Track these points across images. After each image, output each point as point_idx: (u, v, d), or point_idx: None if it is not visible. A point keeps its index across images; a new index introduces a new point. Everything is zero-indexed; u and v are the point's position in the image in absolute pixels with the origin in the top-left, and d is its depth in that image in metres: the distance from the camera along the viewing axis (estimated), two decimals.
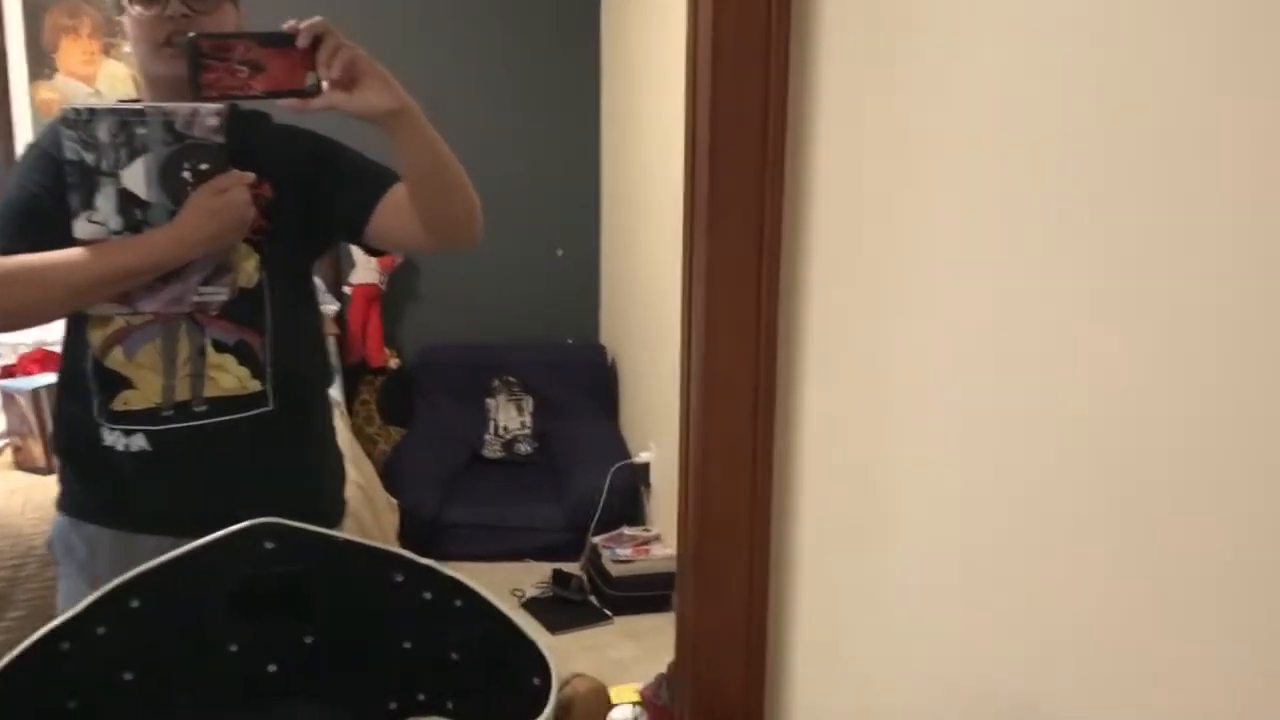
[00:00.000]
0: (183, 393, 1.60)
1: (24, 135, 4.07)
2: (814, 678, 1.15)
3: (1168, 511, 0.70)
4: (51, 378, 2.85)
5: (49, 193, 1.53)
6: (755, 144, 1.06)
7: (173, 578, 0.85)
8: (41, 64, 4.08)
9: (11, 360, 3.46)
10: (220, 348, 1.61)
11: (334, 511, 1.85)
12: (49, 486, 2.73)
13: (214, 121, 1.49)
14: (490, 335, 4.48)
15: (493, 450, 4.30)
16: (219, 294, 1.58)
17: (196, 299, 1.57)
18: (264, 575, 0.89)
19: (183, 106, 1.48)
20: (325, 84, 1.42)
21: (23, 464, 2.78)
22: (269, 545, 0.88)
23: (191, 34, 1.40)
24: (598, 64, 4.44)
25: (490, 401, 4.34)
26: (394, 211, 1.63)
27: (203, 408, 1.61)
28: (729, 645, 1.10)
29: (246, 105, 1.52)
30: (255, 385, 1.63)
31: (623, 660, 3.10)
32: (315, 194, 1.67)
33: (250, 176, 1.55)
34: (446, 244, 1.65)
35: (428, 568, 0.91)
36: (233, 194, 1.51)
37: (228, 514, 0.91)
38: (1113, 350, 0.74)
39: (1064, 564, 0.80)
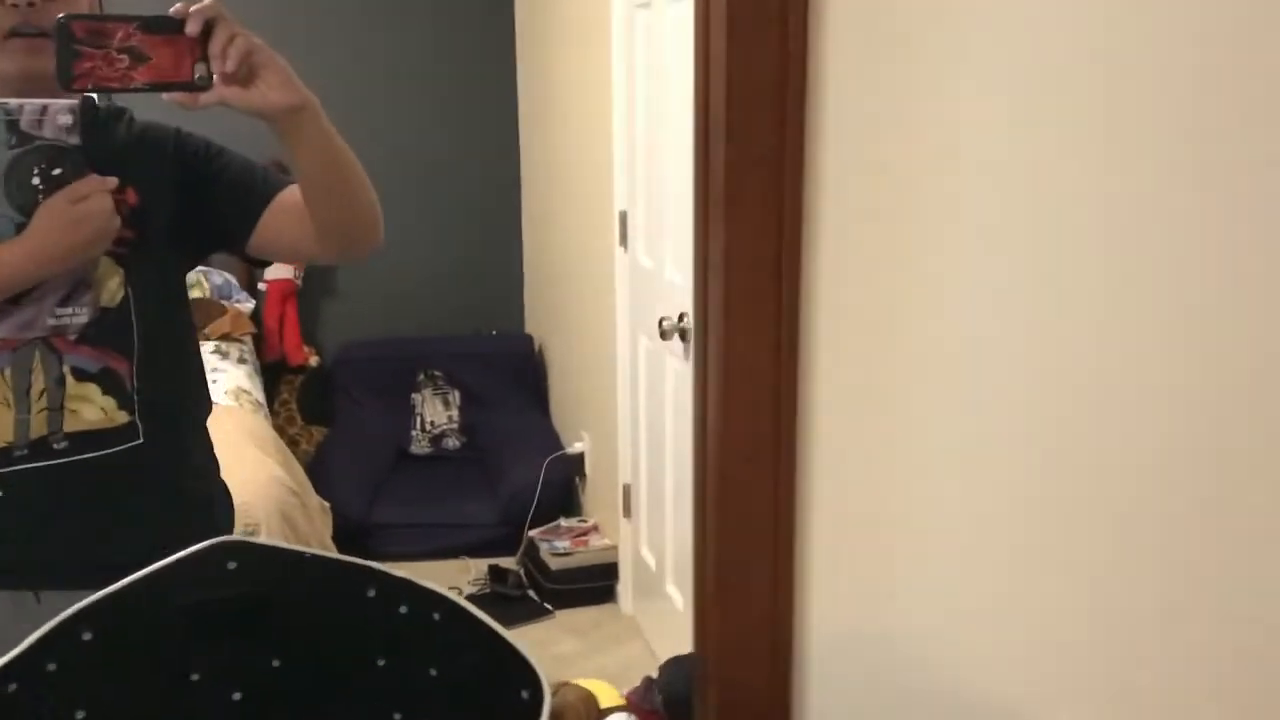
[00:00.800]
0: (39, 428, 1.42)
1: None
2: (836, 674, 1.11)
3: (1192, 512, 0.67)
4: None
5: None
6: (772, 122, 0.99)
7: (128, 605, 0.78)
8: None
9: None
10: (81, 376, 1.43)
11: None
12: None
13: (67, 120, 1.32)
14: (412, 329, 4.38)
15: (420, 446, 4.21)
16: (78, 315, 1.41)
17: (53, 322, 1.40)
18: (225, 597, 0.83)
19: (30, 102, 1.31)
20: (216, 77, 1.27)
21: None
22: (231, 565, 0.81)
23: (62, 16, 1.22)
24: (513, 46, 4.36)
25: (415, 396, 4.25)
26: (282, 220, 1.49)
27: (63, 444, 1.43)
28: (755, 645, 1.06)
29: (120, 98, 1.39)
30: (123, 417, 1.45)
31: (567, 655, 3.06)
32: (188, 201, 1.50)
33: (113, 182, 1.37)
34: (344, 254, 1.52)
35: (404, 580, 0.85)
36: (93, 201, 1.34)
37: (98, 560, 0.83)
38: (1125, 346, 0.71)
39: (1083, 558, 0.77)
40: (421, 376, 4.25)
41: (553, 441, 3.97)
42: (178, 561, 0.79)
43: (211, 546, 0.81)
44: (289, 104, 1.31)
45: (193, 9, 1.24)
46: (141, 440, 1.46)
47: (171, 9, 1.24)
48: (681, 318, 2.60)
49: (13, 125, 1.31)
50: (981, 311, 0.86)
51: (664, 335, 2.64)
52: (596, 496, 3.70)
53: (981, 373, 0.86)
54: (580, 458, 3.80)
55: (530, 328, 4.52)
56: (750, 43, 0.94)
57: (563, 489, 3.82)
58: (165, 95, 1.26)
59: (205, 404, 1.67)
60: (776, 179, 0.97)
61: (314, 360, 4.32)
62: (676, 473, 2.77)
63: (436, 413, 4.24)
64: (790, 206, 0.99)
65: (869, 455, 1.03)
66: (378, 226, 1.50)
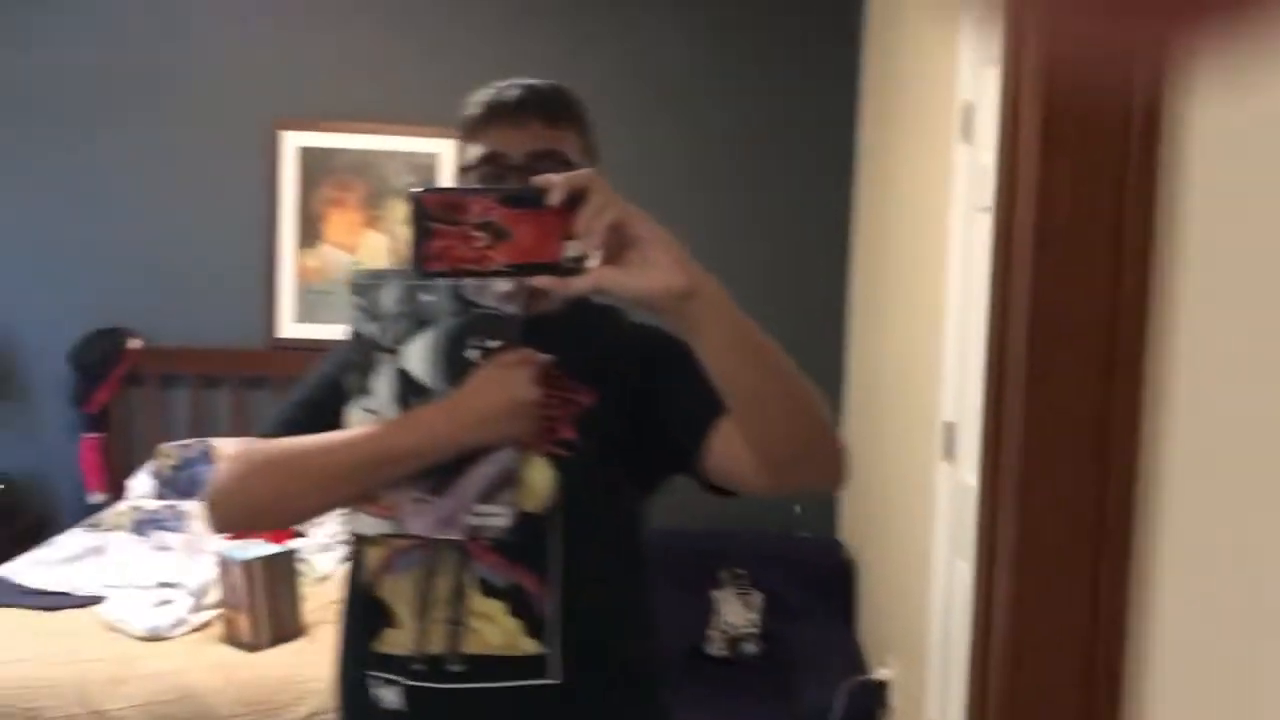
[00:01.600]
0: (437, 643, 1.28)
1: (287, 300, 4.22)
2: None
3: None
4: (272, 548, 2.80)
5: (341, 385, 1.33)
6: (1093, 367, 0.75)
7: None
8: (309, 233, 4.25)
9: None
10: (488, 590, 1.28)
11: None
12: (255, 665, 2.64)
13: (506, 286, 1.22)
14: (720, 522, 4.22)
15: (717, 648, 3.99)
16: (498, 517, 1.26)
17: (473, 521, 1.26)
18: None
19: None
20: (591, 257, 1.06)
21: (232, 638, 2.71)
22: None
23: (416, 189, 1.10)
24: (847, 247, 4.24)
25: (716, 594, 4.05)
26: (726, 441, 1.21)
27: (459, 667, 1.28)
28: None
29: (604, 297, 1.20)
30: (530, 646, 1.27)
31: None
32: (647, 412, 1.31)
33: (545, 358, 1.25)
34: (789, 486, 1.22)
35: None
36: (514, 373, 1.22)
37: None
38: None
39: None
40: (724, 574, 4.06)
41: (856, 662, 3.64)
42: None
43: None
44: (675, 288, 1.05)
45: (560, 178, 1.07)
46: (557, 680, 1.28)
47: (535, 178, 1.09)
48: None
49: (457, 292, 1.24)
50: None
51: None
52: None
53: None
54: (884, 685, 3.45)
55: (843, 534, 4.24)
56: (1066, 270, 0.71)
57: (863, 717, 3.47)
58: (532, 280, 1.09)
59: (647, 666, 1.42)
60: (1097, 447, 0.71)
61: None
62: None
63: (736, 614, 4.02)
64: (1115, 493, 0.73)
65: None
66: (830, 452, 1.18)
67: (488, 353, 1.24)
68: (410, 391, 1.25)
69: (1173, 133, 0.79)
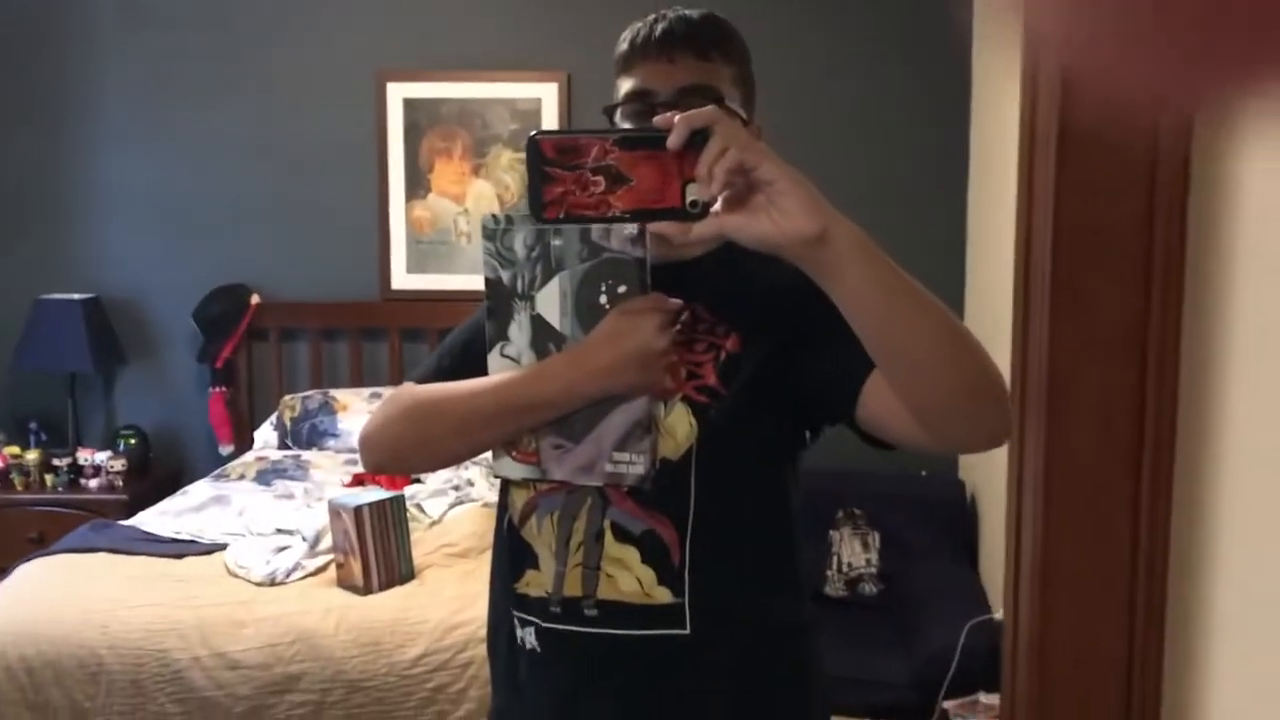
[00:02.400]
0: (573, 586, 1.27)
1: (399, 252, 4.28)
2: None
3: None
4: (381, 495, 2.85)
5: None
6: (1125, 403, 0.67)
7: None
8: (417, 184, 4.29)
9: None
10: (622, 536, 1.25)
11: None
12: (366, 608, 2.71)
13: (633, 230, 1.17)
14: (836, 461, 4.14)
15: (835, 588, 3.94)
16: (635, 465, 1.23)
17: (610, 469, 1.24)
18: None
19: None
20: (716, 201, 1.02)
21: (343, 582, 2.78)
22: None
23: (534, 133, 1.07)
24: (966, 174, 4.07)
25: (834, 534, 3.98)
26: (884, 394, 1.14)
27: (593, 611, 1.26)
28: None
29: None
30: (664, 595, 1.24)
31: None
32: (797, 361, 1.25)
33: (674, 303, 1.21)
34: (950, 444, 1.17)
35: None
36: (641, 320, 1.17)
37: None
38: None
39: None
40: (841, 514, 3.99)
41: (979, 603, 3.54)
42: None
43: None
44: (806, 234, 0.99)
45: (679, 117, 1.01)
46: (687, 630, 1.25)
47: (656, 118, 1.04)
48: None
49: (585, 235, 1.20)
50: None
51: None
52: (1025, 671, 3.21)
53: None
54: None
55: (964, 473, 4.11)
56: (1089, 301, 0.62)
57: (986, 658, 3.36)
58: (651, 226, 1.07)
59: (787, 617, 1.36)
60: (1128, 491, 0.63)
61: None
62: None
63: (855, 554, 3.95)
64: (1150, 531, 0.64)
65: None
66: (990, 410, 1.07)
67: (616, 298, 1.20)
68: (547, 337, 1.24)
69: None
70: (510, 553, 1.33)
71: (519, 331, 1.24)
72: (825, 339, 1.19)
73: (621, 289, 1.19)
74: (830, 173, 3.80)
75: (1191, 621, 0.73)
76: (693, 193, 1.02)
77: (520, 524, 1.32)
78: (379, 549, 2.75)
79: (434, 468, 1.39)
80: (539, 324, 1.23)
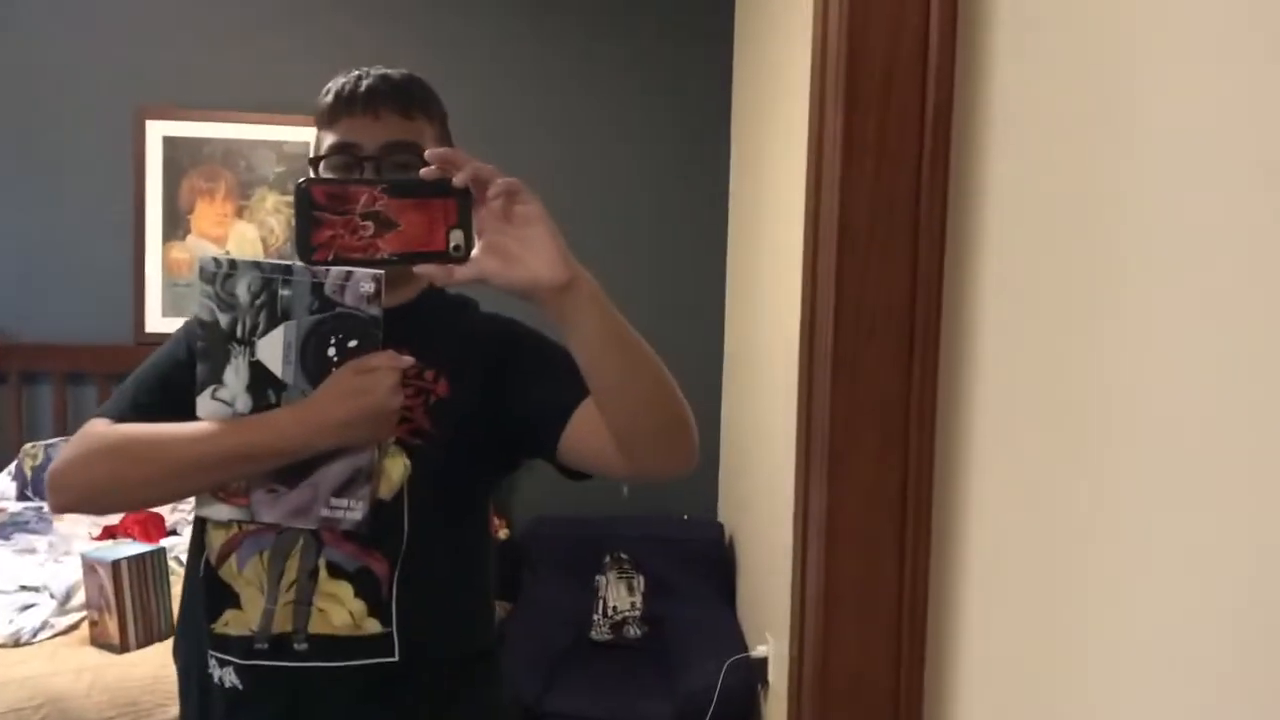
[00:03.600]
0: (283, 623, 1.30)
1: (154, 295, 4.11)
2: None
3: None
4: (140, 548, 2.74)
5: (194, 365, 1.29)
6: (897, 355, 0.80)
7: None
8: (176, 225, 4.14)
9: (114, 520, 3.38)
10: (337, 572, 1.30)
11: None
12: (122, 667, 2.59)
13: (369, 288, 1.23)
14: (604, 504, 4.26)
15: (600, 633, 4.03)
16: (353, 511, 1.27)
17: (325, 514, 1.28)
18: None
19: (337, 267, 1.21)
20: (475, 247, 1.10)
21: (97, 640, 2.64)
22: None
23: (301, 180, 1.12)
24: (725, 226, 4.30)
25: (600, 579, 4.09)
26: (586, 427, 1.28)
27: (303, 645, 1.30)
28: None
29: (464, 288, 1.26)
30: (373, 626, 1.30)
31: None
32: (499, 398, 1.35)
33: (407, 360, 1.26)
34: (645, 473, 1.27)
35: None
36: (378, 376, 1.22)
37: None
38: None
39: None
40: (608, 558, 4.10)
41: (737, 642, 3.72)
42: None
43: None
44: (556, 280, 1.10)
45: (469, 164, 1.09)
46: (395, 658, 1.30)
47: (422, 170, 1.11)
48: None
49: (318, 289, 1.22)
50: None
51: None
52: (780, 707, 3.39)
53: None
54: (763, 662, 3.52)
55: (724, 515, 4.31)
56: (872, 252, 0.75)
57: (744, 694, 3.54)
58: (416, 268, 1.11)
59: (483, 637, 1.45)
60: (901, 426, 0.76)
61: (504, 533, 4.25)
62: None
63: (620, 598, 4.06)
64: (917, 463, 0.78)
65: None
66: (685, 442, 1.25)
67: (346, 352, 1.24)
68: (266, 383, 1.25)
69: (965, 126, 0.85)
70: (207, 593, 1.34)
71: (235, 376, 1.25)
72: (531, 379, 1.34)
73: (353, 343, 1.24)
74: (595, 247, 3.94)
75: (945, 649, 0.86)
76: (455, 239, 1.10)
77: (218, 564, 1.32)
78: (138, 605, 2.64)
79: (128, 510, 1.36)
80: (258, 370, 1.25)
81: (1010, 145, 0.78)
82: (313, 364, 1.25)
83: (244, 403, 1.26)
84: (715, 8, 4.18)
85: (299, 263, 1.19)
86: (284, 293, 1.24)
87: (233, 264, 1.25)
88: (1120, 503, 0.65)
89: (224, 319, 1.25)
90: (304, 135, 4.10)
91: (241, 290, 1.24)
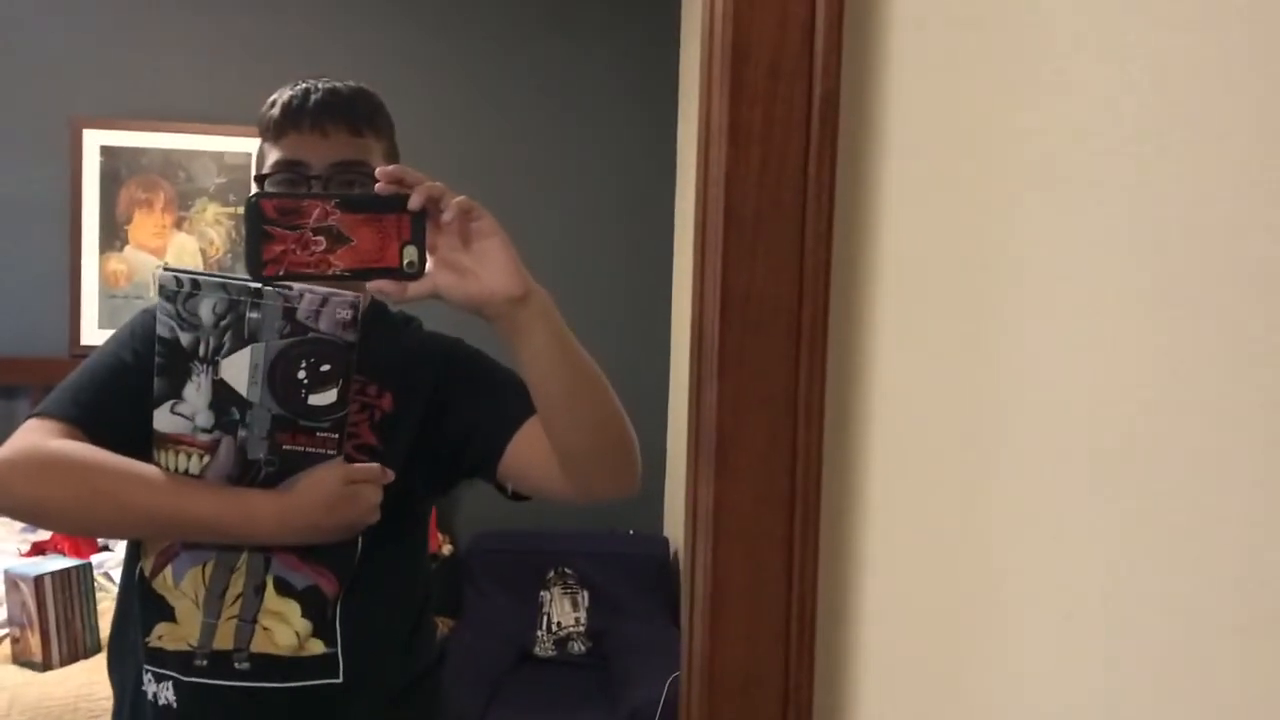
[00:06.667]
0: (224, 640, 1.25)
1: (90, 306, 4.05)
2: None
3: None
4: (66, 563, 2.68)
5: (140, 369, 1.24)
6: (784, 350, 0.80)
7: None
8: (113, 236, 4.08)
9: (44, 535, 3.31)
10: (285, 589, 1.26)
11: None
12: (45, 685, 2.52)
13: (346, 315, 1.18)
14: (549, 520, 4.23)
15: (544, 649, 3.99)
16: None
17: None
18: None
19: (312, 291, 1.17)
20: (430, 262, 1.09)
21: (19, 658, 2.58)
22: None
23: (252, 195, 1.10)
24: (670, 247, 4.30)
25: (544, 594, 4.05)
26: (529, 448, 1.27)
27: (245, 665, 1.25)
28: None
29: (411, 306, 1.24)
30: (317, 646, 1.26)
31: None
32: (442, 417, 1.34)
33: (390, 475, 1.25)
34: (589, 493, 1.26)
35: None
36: (365, 492, 1.21)
37: None
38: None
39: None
40: (552, 573, 4.07)
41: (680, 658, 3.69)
42: None
43: None
44: (510, 293, 1.09)
45: (420, 185, 1.08)
46: (339, 679, 1.26)
47: (376, 186, 1.09)
48: None
49: (290, 313, 1.18)
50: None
51: None
52: None
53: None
54: None
55: (669, 530, 4.30)
56: (755, 253, 0.74)
57: None
58: (370, 285, 1.09)
59: (425, 656, 1.43)
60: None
61: (446, 549, 4.20)
62: None
63: (564, 613, 4.03)
64: (804, 468, 0.77)
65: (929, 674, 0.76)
66: (629, 464, 1.25)
67: (318, 376, 1.20)
68: (230, 401, 1.21)
69: (852, 122, 0.84)
70: (141, 605, 1.29)
71: (197, 393, 1.21)
72: (474, 397, 1.32)
73: (325, 368, 1.20)
74: (544, 251, 3.91)
75: (837, 645, 0.85)
76: (409, 255, 1.08)
77: (153, 575, 1.28)
78: (61, 621, 2.58)
79: (65, 533, 1.30)
80: (222, 388, 1.21)
81: (902, 140, 0.78)
82: (281, 386, 1.21)
83: (205, 418, 1.22)
84: (663, 7, 4.19)
85: (270, 286, 1.17)
86: (252, 315, 1.19)
87: (195, 285, 1.19)
88: (1015, 492, 0.64)
89: (185, 337, 1.20)
90: (246, 146, 4.05)
91: (205, 311, 1.19)
